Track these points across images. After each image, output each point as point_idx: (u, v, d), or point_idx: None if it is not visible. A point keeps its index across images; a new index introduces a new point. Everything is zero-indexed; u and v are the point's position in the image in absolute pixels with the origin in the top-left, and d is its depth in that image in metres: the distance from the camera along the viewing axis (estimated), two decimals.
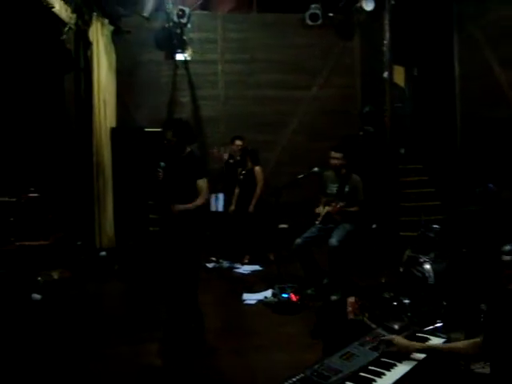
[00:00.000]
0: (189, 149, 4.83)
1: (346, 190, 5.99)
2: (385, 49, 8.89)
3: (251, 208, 7.71)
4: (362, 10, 8.73)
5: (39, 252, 8.32)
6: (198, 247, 4.84)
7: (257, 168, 7.87)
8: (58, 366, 4.20)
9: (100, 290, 6.76)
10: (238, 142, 8.06)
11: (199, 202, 4.72)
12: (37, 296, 6.18)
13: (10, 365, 4.19)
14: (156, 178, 4.74)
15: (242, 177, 7.90)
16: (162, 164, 4.76)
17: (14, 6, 7.41)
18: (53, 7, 6.96)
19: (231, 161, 8.13)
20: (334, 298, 5.52)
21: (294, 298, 5.52)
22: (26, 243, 8.90)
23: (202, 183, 4.75)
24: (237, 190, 7.98)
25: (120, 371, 4.11)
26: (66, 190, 8.55)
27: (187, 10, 8.48)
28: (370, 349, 2.41)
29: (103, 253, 8.35)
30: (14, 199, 9.39)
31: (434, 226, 5.16)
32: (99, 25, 8.53)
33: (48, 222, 9.48)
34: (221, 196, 8.37)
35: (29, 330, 5.09)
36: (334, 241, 5.66)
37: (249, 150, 7.99)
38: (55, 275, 7.18)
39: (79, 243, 8.30)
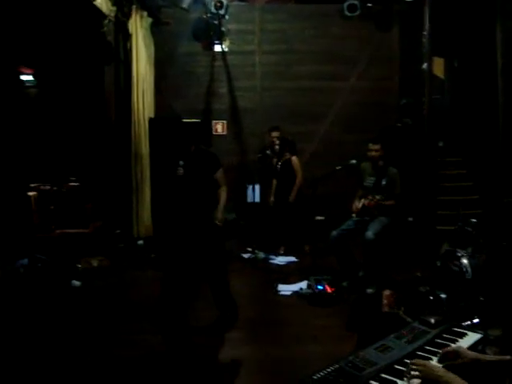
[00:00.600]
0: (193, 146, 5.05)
1: (383, 183, 5.95)
2: (424, 40, 8.77)
3: (292, 198, 7.72)
4: (401, 0, 8.61)
5: (79, 240, 8.52)
6: (223, 239, 4.98)
7: (293, 158, 7.87)
8: (84, 350, 4.32)
9: (136, 277, 6.88)
10: (275, 133, 8.07)
11: (224, 195, 5.03)
12: (76, 283, 6.35)
13: (46, 345, 4.34)
14: (176, 175, 4.90)
15: (279, 167, 7.92)
16: (181, 162, 4.89)
17: (60, 0, 7.56)
18: (94, 0, 7.07)
19: (268, 151, 8.14)
20: (369, 290, 5.52)
21: (329, 289, 5.52)
22: (66, 231, 9.13)
23: (220, 174, 5.03)
24: (274, 181, 8.00)
25: (141, 357, 4.20)
26: (105, 179, 8.72)
27: (225, 1, 8.51)
28: (405, 342, 2.41)
29: (140, 242, 8.50)
30: (56, 188, 9.64)
31: (472, 219, 5.09)
32: (138, 17, 8.63)
33: (87, 210, 9.70)
34: (257, 187, 8.42)
35: (66, 315, 5.24)
36: (370, 233, 5.64)
37: (287, 141, 7.99)
38: (94, 263, 7.36)
39: (117, 232, 8.46)
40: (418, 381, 2.03)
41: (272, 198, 8.03)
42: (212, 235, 4.92)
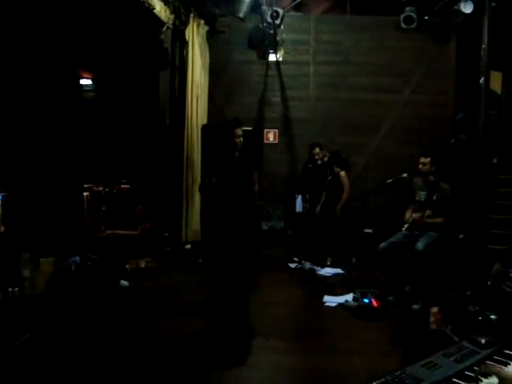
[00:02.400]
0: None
1: (434, 198, 5.85)
2: (482, 53, 8.60)
3: (337, 212, 7.70)
4: (459, 12, 8.46)
5: (127, 241, 8.71)
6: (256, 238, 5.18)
7: (342, 173, 7.83)
8: (127, 348, 4.42)
9: (184, 281, 6.97)
10: (316, 151, 8.09)
11: (256, 187, 5.46)
12: (125, 283, 6.47)
13: (92, 340, 4.46)
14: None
15: (327, 182, 7.91)
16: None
17: (120, 8, 7.79)
18: (154, 8, 7.26)
19: (310, 165, 8.16)
20: (415, 306, 5.45)
21: (375, 303, 5.46)
22: (116, 232, 9.35)
23: (255, 175, 5.45)
24: (324, 194, 7.99)
25: (184, 357, 4.27)
26: (156, 183, 8.89)
27: (281, 11, 8.58)
28: (453, 360, 2.37)
29: (188, 246, 8.61)
30: (107, 189, 9.89)
31: None
32: (195, 25, 8.81)
33: (137, 212, 9.91)
34: (299, 198, 8.45)
35: (115, 314, 5.38)
36: (420, 245, 5.56)
37: (337, 155, 7.97)
38: (142, 264, 7.49)
39: (166, 235, 8.60)
40: None
41: (318, 208, 8.00)
42: (251, 233, 5.14)
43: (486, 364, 2.30)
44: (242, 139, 5.25)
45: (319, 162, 8.09)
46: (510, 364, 2.41)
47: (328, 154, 8.14)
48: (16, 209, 8.17)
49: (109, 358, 4.24)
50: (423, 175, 6.01)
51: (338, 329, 5.11)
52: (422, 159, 5.97)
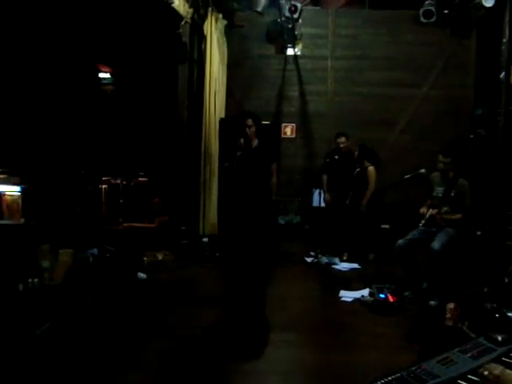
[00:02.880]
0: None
1: (452, 194, 5.82)
2: (503, 48, 8.51)
3: (362, 207, 7.67)
4: (480, 6, 8.34)
5: (144, 233, 8.78)
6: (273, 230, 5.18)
7: (370, 168, 7.78)
8: (143, 339, 4.47)
9: (201, 274, 7.01)
10: (341, 139, 8.01)
11: (274, 181, 5.45)
12: (142, 275, 6.54)
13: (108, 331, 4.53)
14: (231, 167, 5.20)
15: (355, 175, 7.86)
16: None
17: (139, 2, 7.85)
18: (172, 2, 7.29)
19: (336, 157, 8.09)
20: (432, 303, 5.44)
21: (391, 299, 5.46)
22: (133, 225, 9.42)
23: (274, 166, 5.43)
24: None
25: (197, 350, 4.30)
26: (173, 176, 8.94)
27: (299, 5, 8.55)
28: (470, 357, 2.38)
29: (205, 239, 8.66)
30: (125, 182, 9.96)
31: None
32: (214, 19, 8.83)
33: (154, 205, 9.98)
34: (316, 192, 8.44)
35: (133, 305, 5.45)
36: (436, 245, 5.54)
37: (366, 148, 7.94)
38: (159, 256, 7.55)
39: (183, 228, 8.65)
40: None
41: (347, 201, 7.94)
42: (268, 226, 5.16)
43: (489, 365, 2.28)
44: (253, 129, 5.26)
45: (343, 150, 8.03)
46: None
47: (355, 147, 8.05)
48: (36, 201, 8.29)
49: (125, 349, 4.30)
50: (442, 172, 5.97)
51: (353, 324, 5.12)
52: (443, 158, 5.90)
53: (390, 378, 2.14)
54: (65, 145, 9.98)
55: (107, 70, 11.89)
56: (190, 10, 8.48)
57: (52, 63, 9.93)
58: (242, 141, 5.14)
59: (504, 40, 8.44)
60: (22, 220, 8.16)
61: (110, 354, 4.16)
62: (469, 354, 2.41)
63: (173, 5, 7.54)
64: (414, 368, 2.22)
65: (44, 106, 10.07)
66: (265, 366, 4.07)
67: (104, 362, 4.00)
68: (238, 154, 5.17)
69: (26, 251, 5.94)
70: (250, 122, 5.24)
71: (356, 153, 7.92)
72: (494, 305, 4.47)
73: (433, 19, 8.78)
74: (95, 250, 6.55)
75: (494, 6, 8.26)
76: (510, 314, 4.26)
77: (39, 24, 9.20)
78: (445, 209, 5.71)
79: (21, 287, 5.43)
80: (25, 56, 9.40)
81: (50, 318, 4.67)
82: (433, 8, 8.73)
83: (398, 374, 2.17)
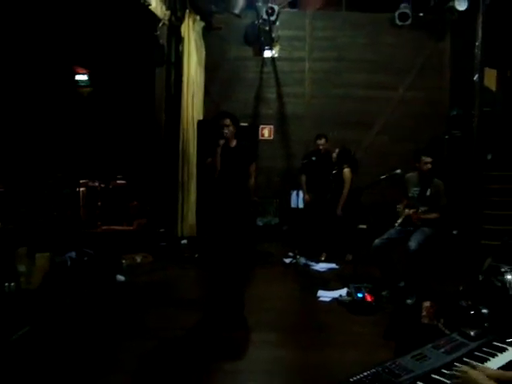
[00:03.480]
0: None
1: (428, 194, 5.90)
2: (476, 50, 8.66)
3: (339, 211, 7.73)
4: (454, 9, 8.49)
5: (123, 236, 8.73)
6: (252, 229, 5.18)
7: (346, 170, 7.85)
8: (122, 342, 4.46)
9: (180, 275, 7.01)
10: (321, 141, 8.07)
11: (252, 182, 5.30)
12: (121, 277, 6.52)
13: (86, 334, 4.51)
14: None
15: (331, 177, 7.93)
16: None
17: (116, 4, 7.82)
18: (149, 4, 7.28)
19: (314, 158, 8.14)
20: (409, 301, 5.50)
21: (368, 298, 5.51)
22: (111, 227, 9.37)
23: (253, 167, 5.31)
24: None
25: (177, 352, 4.31)
26: (151, 178, 8.92)
27: (276, 7, 8.60)
28: (443, 352, 2.42)
29: (184, 241, 8.65)
30: (103, 185, 9.91)
31: None
32: (191, 21, 8.83)
33: (133, 208, 9.94)
34: (294, 193, 8.47)
35: (111, 308, 5.44)
36: (412, 244, 5.61)
37: (346, 151, 8.02)
38: (138, 259, 7.53)
39: (161, 230, 8.63)
40: None
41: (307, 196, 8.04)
42: (246, 226, 5.15)
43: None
44: (231, 128, 5.24)
45: (322, 151, 8.08)
46: (496, 355, 2.46)
47: (333, 148, 8.11)
48: (12, 204, 8.20)
49: (105, 351, 4.28)
50: (424, 173, 6.01)
51: (331, 323, 5.16)
52: (425, 158, 5.95)
53: (365, 374, 2.18)
54: (41, 148, 9.89)
55: (84, 72, 11.81)
56: (168, 12, 8.48)
57: (28, 65, 9.84)
58: (221, 142, 5.13)
59: (477, 43, 8.58)
60: None
61: (90, 357, 4.15)
62: (442, 349, 2.45)
63: (150, 7, 7.52)
64: (388, 363, 2.26)
65: (20, 109, 9.97)
66: (244, 366, 4.09)
67: (84, 365, 3.99)
68: (219, 150, 5.14)
69: (3, 255, 5.87)
70: (227, 121, 5.22)
71: (334, 154, 7.98)
72: (469, 302, 4.54)
73: (408, 22, 8.90)
74: (73, 254, 6.52)
75: (467, 9, 8.40)
76: (484, 311, 4.33)
77: (15, 26, 9.11)
78: (422, 209, 5.79)
79: None
80: None
81: (27, 323, 4.63)
82: (408, 11, 8.85)
83: (373, 370, 2.20)
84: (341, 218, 7.75)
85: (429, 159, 5.95)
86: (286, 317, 5.32)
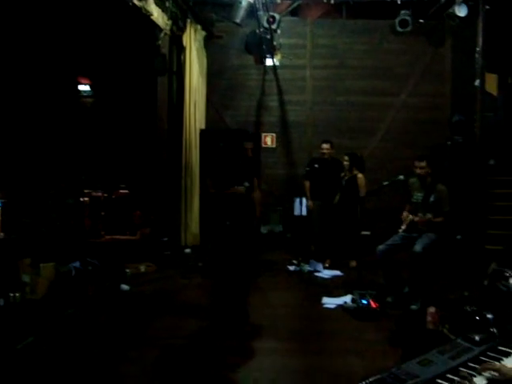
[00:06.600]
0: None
1: (431, 199, 5.90)
2: (477, 56, 8.67)
3: (359, 215, 7.70)
4: (454, 15, 8.52)
5: (126, 246, 8.74)
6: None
7: (360, 176, 7.85)
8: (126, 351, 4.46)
9: (184, 284, 6.98)
10: (325, 146, 8.07)
11: (257, 194, 5.53)
12: (125, 287, 6.52)
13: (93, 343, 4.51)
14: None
15: (344, 182, 7.93)
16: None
17: (118, 15, 7.86)
18: (151, 14, 7.33)
19: (316, 165, 8.15)
20: (413, 307, 5.50)
21: (373, 304, 5.50)
22: (115, 237, 9.37)
23: (255, 182, 5.62)
24: (337, 196, 8.00)
25: (181, 360, 4.30)
26: (154, 187, 8.93)
27: (277, 16, 8.65)
28: (448, 357, 2.42)
29: (188, 250, 8.66)
30: (106, 195, 9.92)
31: None
32: (192, 30, 8.89)
33: (136, 217, 9.94)
34: (297, 201, 8.46)
35: (113, 317, 5.45)
36: (417, 247, 5.60)
37: (356, 157, 8.04)
38: (142, 268, 7.53)
39: (165, 239, 8.64)
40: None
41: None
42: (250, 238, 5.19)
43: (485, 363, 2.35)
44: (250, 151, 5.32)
45: (327, 157, 8.08)
46: (502, 360, 2.47)
47: (339, 155, 8.11)
48: (15, 215, 8.21)
49: (109, 360, 4.28)
50: (421, 178, 6.04)
51: (336, 330, 5.15)
52: (418, 163, 5.99)
53: (371, 380, 2.18)
54: (44, 158, 9.91)
55: (87, 82, 11.87)
56: (169, 22, 8.52)
57: (32, 76, 9.89)
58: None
59: (477, 48, 8.60)
60: (2, 234, 8.07)
61: (94, 367, 4.14)
62: (447, 355, 2.45)
63: (152, 17, 7.58)
64: (394, 369, 2.26)
65: (23, 119, 10.01)
66: (250, 374, 4.08)
67: (88, 375, 3.98)
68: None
69: (7, 266, 5.88)
70: (250, 145, 5.32)
71: (345, 162, 7.96)
72: (474, 307, 4.53)
73: (408, 28, 8.93)
74: (78, 263, 6.52)
75: (467, 15, 8.43)
76: (489, 316, 4.32)
77: (19, 37, 9.16)
78: (429, 215, 5.77)
79: (2, 302, 5.38)
80: (3, 69, 9.34)
81: (32, 333, 4.63)
82: (408, 17, 8.89)
83: (379, 376, 2.21)
84: (357, 222, 7.70)
85: (421, 164, 5.96)
86: (290, 324, 5.31)
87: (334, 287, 6.79)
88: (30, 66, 9.79)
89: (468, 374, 2.21)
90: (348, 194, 7.83)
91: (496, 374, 2.26)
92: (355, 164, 7.94)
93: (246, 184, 5.25)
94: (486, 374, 2.29)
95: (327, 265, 7.90)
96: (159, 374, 4.02)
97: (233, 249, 5.10)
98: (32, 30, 9.06)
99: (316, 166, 8.11)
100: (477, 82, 8.66)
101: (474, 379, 2.19)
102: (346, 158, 7.97)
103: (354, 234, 7.82)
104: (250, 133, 5.22)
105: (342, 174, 7.99)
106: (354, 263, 7.86)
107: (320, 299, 6.11)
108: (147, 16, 7.47)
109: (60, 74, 10.57)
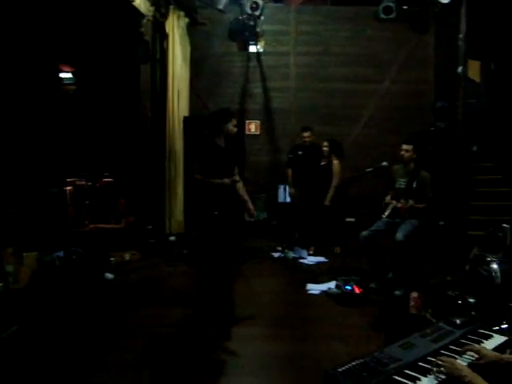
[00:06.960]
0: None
1: (414, 185, 5.94)
2: (460, 42, 8.69)
3: (327, 201, 7.77)
4: (437, 2, 8.51)
5: (111, 234, 8.70)
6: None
7: (335, 162, 7.90)
8: (109, 340, 4.47)
9: (169, 272, 6.99)
10: (305, 134, 8.10)
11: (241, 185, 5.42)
12: (109, 275, 6.51)
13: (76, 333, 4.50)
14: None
15: (320, 167, 7.97)
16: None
17: (100, 1, 7.76)
18: (133, 0, 7.24)
19: (300, 152, 8.17)
20: (397, 293, 5.56)
21: (357, 290, 5.55)
22: (99, 226, 9.32)
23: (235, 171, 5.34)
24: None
25: (166, 349, 4.32)
26: (138, 176, 8.89)
27: (261, 2, 8.57)
28: (430, 341, 2.45)
29: (172, 237, 8.64)
30: (90, 183, 9.86)
31: (504, 224, 5.06)
32: (175, 17, 8.81)
33: (120, 206, 9.89)
34: (282, 188, 8.50)
35: (100, 306, 5.45)
36: (400, 235, 5.65)
37: (336, 143, 8.06)
38: (127, 256, 7.51)
39: (149, 227, 8.61)
40: (443, 377, 2.10)
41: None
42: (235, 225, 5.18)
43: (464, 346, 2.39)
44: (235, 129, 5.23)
45: (308, 144, 8.13)
46: (482, 342, 2.50)
47: (321, 141, 8.14)
48: None
49: (95, 349, 4.28)
50: (405, 162, 6.08)
51: (321, 316, 5.19)
52: (405, 146, 6.03)
53: (353, 364, 2.21)
54: (26, 146, 9.81)
55: (68, 69, 11.73)
56: (152, 8, 8.42)
57: (12, 64, 9.74)
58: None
59: (461, 35, 8.62)
60: None
61: (79, 356, 4.14)
62: (429, 338, 2.49)
63: (134, 3, 7.48)
64: (376, 353, 2.29)
65: (4, 108, 9.88)
66: (235, 361, 4.11)
67: (73, 364, 3.98)
68: None
69: None
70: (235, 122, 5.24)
71: (324, 148, 7.98)
72: (456, 292, 4.59)
73: (392, 15, 8.90)
74: (61, 253, 6.49)
75: (450, 1, 8.42)
76: (471, 300, 4.38)
77: None
78: (411, 202, 5.80)
79: None
80: None
81: (15, 322, 4.61)
82: (392, 4, 8.85)
83: (362, 360, 2.24)
84: (329, 209, 7.78)
85: (408, 147, 6.00)
86: (275, 310, 5.34)
87: (318, 274, 6.83)
88: (10, 54, 9.65)
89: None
90: (323, 180, 7.86)
91: (476, 355, 2.29)
92: (334, 150, 7.96)
93: (237, 178, 5.20)
94: (467, 355, 2.33)
95: (311, 251, 7.94)
96: (145, 362, 4.03)
97: (221, 239, 5.05)
98: (11, 16, 8.92)
99: (300, 152, 8.14)
100: (460, 69, 8.67)
101: (456, 361, 2.22)
102: (326, 143, 7.99)
103: (337, 221, 7.88)
104: (230, 110, 5.16)
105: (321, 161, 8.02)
106: (338, 249, 7.92)
107: (304, 285, 6.15)
108: (129, 2, 7.38)
109: (41, 61, 10.43)
